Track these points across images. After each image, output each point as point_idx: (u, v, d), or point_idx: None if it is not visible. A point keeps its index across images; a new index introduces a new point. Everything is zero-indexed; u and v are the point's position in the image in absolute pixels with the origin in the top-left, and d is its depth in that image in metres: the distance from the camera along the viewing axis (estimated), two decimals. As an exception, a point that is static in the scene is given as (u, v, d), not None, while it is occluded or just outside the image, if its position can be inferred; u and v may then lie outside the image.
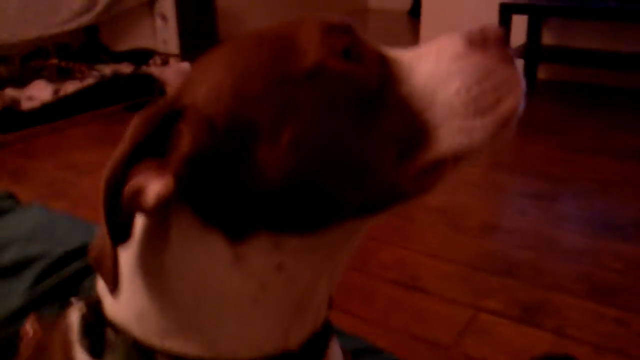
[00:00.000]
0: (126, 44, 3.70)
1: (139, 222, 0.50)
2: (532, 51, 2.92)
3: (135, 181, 0.45)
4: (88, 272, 0.80)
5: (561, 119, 2.64)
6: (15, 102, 2.60)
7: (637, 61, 2.76)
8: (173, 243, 0.48)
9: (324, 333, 0.56)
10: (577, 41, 3.03)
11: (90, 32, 3.61)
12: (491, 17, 2.74)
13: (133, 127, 0.45)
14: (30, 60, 3.16)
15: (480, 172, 2.02)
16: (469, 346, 1.16)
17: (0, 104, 2.53)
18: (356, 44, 0.48)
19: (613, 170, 2.03)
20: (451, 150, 0.47)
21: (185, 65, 3.22)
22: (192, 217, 0.47)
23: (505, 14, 2.74)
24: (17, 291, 0.80)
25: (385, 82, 0.48)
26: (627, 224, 1.64)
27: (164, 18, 3.66)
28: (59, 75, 3.00)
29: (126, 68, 3.20)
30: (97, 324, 0.52)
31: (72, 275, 0.81)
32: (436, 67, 0.49)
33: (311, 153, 0.45)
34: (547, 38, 3.08)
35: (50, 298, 0.79)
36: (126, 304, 0.51)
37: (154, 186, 0.44)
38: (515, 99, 0.48)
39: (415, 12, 4.87)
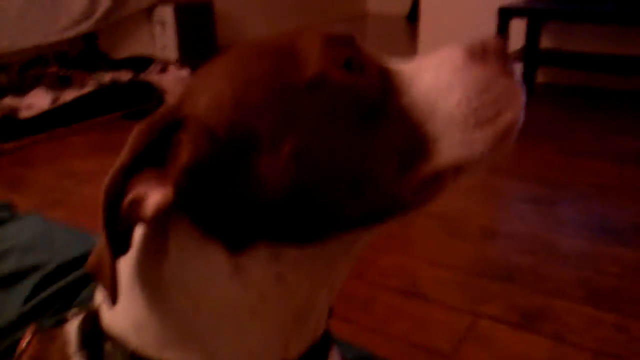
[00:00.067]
0: (125, 51, 3.70)
1: (138, 231, 0.50)
2: (531, 55, 2.93)
3: (135, 191, 0.45)
4: (86, 282, 0.80)
5: (560, 123, 2.64)
6: (14, 111, 2.60)
7: (636, 64, 2.77)
8: (172, 253, 0.49)
9: (324, 343, 0.56)
10: (575, 45, 3.03)
11: (89, 40, 3.61)
12: (489, 21, 2.72)
13: (133, 136, 0.45)
14: (29, 68, 3.16)
15: (479, 177, 2.02)
16: (469, 353, 1.15)
17: (-1, 112, 2.54)
18: (357, 55, 0.48)
19: (612, 174, 2.03)
20: (452, 162, 0.48)
21: (184, 72, 3.22)
22: (191, 227, 0.47)
23: (504, 18, 2.73)
24: (15, 301, 0.80)
25: (386, 93, 0.48)
26: (626, 228, 1.64)
27: (162, 25, 3.67)
28: (58, 84, 3.00)
29: (125, 75, 3.19)
30: (94, 336, 0.52)
31: (70, 285, 0.81)
32: (437, 79, 0.49)
33: (312, 163, 0.45)
34: (546, 42, 3.08)
35: (48, 308, 0.79)
36: (124, 314, 0.51)
37: (153, 196, 0.45)
38: (515, 112, 0.49)
39: (413, 17, 4.88)
